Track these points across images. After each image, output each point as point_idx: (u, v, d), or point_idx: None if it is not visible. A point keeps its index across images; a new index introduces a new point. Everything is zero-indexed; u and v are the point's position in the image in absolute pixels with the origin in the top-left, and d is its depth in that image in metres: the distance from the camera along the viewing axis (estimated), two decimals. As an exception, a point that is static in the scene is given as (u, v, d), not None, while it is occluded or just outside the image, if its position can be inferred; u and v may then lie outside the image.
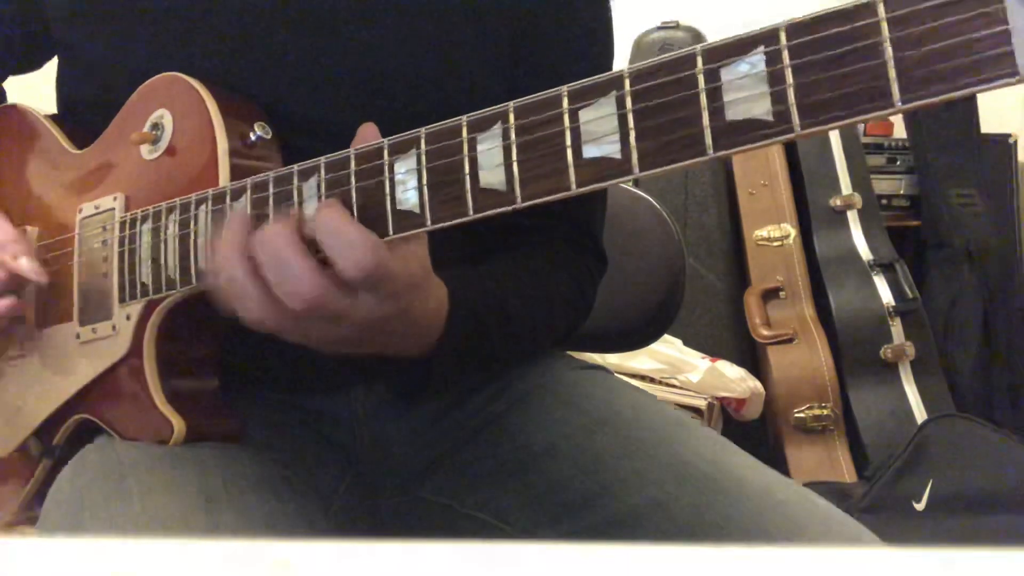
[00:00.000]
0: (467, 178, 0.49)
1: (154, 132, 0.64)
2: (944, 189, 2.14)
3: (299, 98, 0.66)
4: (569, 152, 0.46)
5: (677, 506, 0.64)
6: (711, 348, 1.92)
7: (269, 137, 0.63)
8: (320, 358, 0.71)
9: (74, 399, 0.67)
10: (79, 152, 0.71)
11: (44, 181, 0.73)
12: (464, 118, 0.50)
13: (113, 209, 0.65)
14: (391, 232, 0.51)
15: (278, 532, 0.57)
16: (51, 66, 0.80)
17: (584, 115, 0.46)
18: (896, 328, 1.96)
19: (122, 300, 0.63)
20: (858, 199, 2.08)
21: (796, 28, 0.41)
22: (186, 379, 0.65)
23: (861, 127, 2.29)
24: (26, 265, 0.66)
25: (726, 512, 0.62)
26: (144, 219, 0.63)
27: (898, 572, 0.25)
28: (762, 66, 0.42)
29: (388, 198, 0.52)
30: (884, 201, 2.18)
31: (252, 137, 0.62)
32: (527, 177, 0.47)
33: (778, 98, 0.41)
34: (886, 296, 1.98)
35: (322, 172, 0.54)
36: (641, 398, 0.76)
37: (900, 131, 2.26)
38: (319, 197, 0.54)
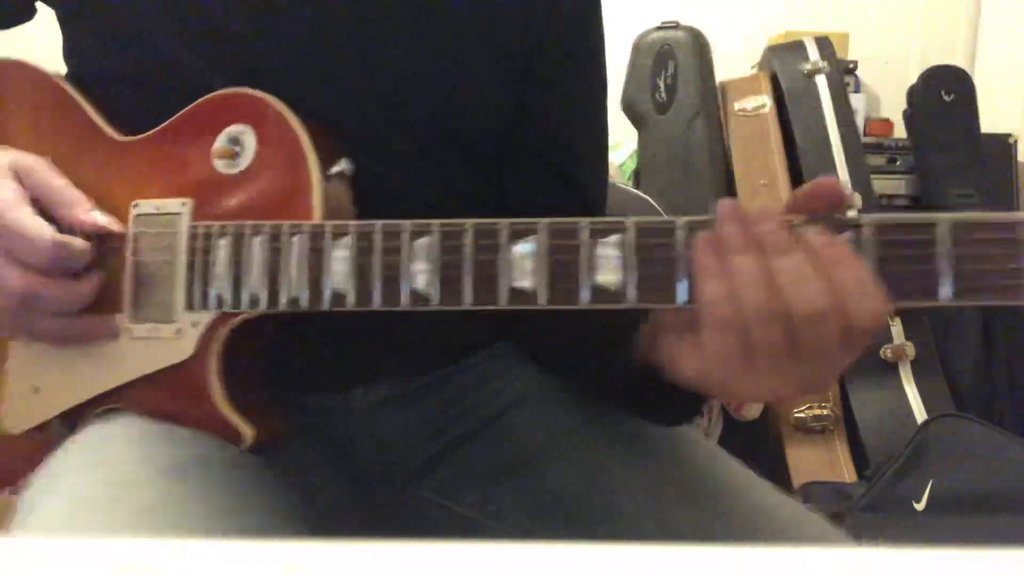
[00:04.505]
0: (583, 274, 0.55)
1: (234, 147, 0.64)
2: (944, 189, 2.14)
3: (314, 105, 0.66)
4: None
5: (673, 518, 0.64)
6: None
7: (350, 174, 0.64)
8: (320, 357, 0.72)
9: (113, 391, 0.67)
10: (125, 140, 0.69)
11: (79, 163, 0.70)
12: (587, 220, 0.55)
13: (180, 215, 0.65)
14: (503, 303, 0.56)
15: (243, 506, 0.58)
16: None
17: None
18: (896, 328, 1.96)
19: (190, 307, 0.64)
20: (858, 199, 2.08)
21: (879, 226, 0.50)
22: (244, 385, 0.66)
23: (861, 127, 2.29)
24: (104, 219, 0.65)
25: (722, 525, 0.63)
26: (222, 234, 0.63)
27: (898, 572, 0.25)
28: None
29: (503, 276, 0.56)
30: (884, 201, 2.18)
31: (335, 171, 0.64)
32: (642, 284, 0.54)
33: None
34: (886, 296, 1.98)
35: (436, 236, 0.57)
36: None
37: (900, 131, 2.26)
38: (431, 260, 0.57)
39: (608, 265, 0.54)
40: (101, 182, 0.68)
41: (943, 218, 0.49)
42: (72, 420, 0.68)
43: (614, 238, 0.54)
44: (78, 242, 0.63)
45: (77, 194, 0.65)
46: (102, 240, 0.67)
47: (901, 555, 0.25)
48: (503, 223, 0.56)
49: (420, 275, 0.58)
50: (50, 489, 0.57)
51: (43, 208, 0.64)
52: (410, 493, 0.74)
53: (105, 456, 0.59)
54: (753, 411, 1.83)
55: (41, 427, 0.69)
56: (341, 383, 0.74)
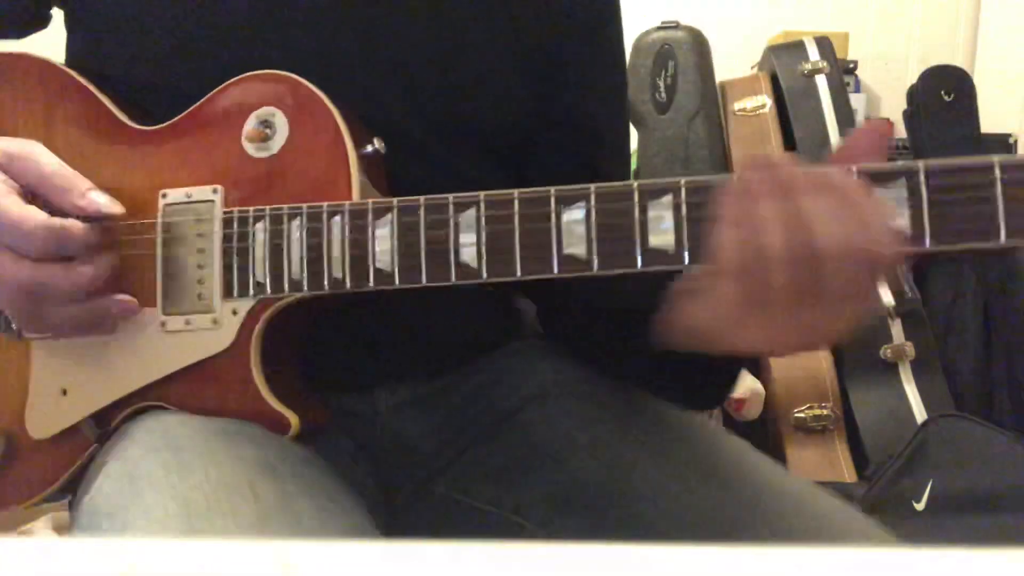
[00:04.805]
0: (636, 238, 0.55)
1: (264, 130, 0.63)
2: (944, 189, 2.14)
3: (344, 97, 0.66)
4: None
5: (701, 503, 0.64)
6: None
7: (384, 152, 0.63)
8: (347, 358, 0.72)
9: (149, 387, 0.65)
10: (144, 128, 0.67)
11: (100, 154, 0.67)
12: (636, 183, 0.55)
13: (212, 201, 0.63)
14: (555, 271, 0.56)
15: (342, 506, 0.57)
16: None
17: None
18: (896, 328, 1.96)
19: (228, 295, 0.63)
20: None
21: (933, 170, 0.50)
22: (284, 373, 0.65)
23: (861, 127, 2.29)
24: (102, 199, 0.62)
25: (750, 509, 0.63)
26: (258, 218, 0.62)
27: (898, 572, 0.25)
28: (904, 192, 0.51)
29: (554, 243, 0.56)
30: (884, 201, 2.18)
31: (368, 150, 0.63)
32: (695, 244, 0.54)
33: (916, 220, 0.50)
34: (886, 296, 1.98)
35: (482, 207, 0.57)
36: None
37: (900, 131, 2.26)
38: (478, 231, 0.57)
39: (661, 227, 0.54)
40: (126, 173, 0.67)
41: (998, 159, 0.49)
42: (103, 421, 0.66)
43: (666, 199, 0.54)
44: (71, 223, 0.60)
45: (71, 177, 0.62)
46: (131, 232, 0.65)
47: (901, 555, 0.25)
48: (550, 190, 0.56)
49: (467, 248, 0.57)
50: (143, 490, 0.54)
51: (37, 196, 0.62)
52: (430, 491, 0.75)
53: (192, 457, 0.56)
54: (753, 411, 1.83)
55: (70, 430, 0.67)
56: (365, 384, 0.74)
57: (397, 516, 0.74)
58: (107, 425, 0.66)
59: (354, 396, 0.74)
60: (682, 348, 0.59)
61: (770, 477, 0.67)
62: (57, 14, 0.77)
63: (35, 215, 0.59)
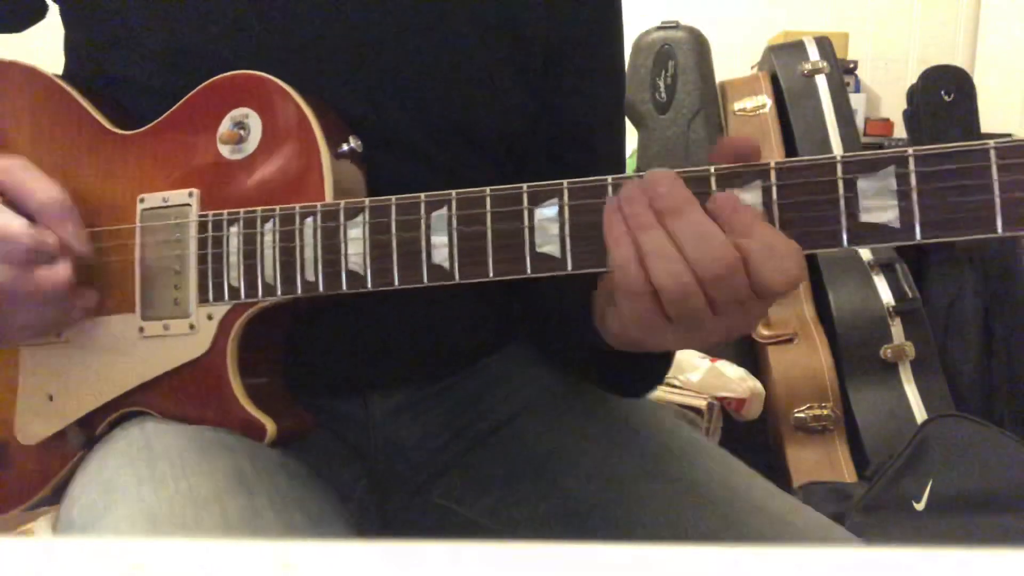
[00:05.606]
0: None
1: (239, 131, 0.63)
2: (944, 189, 2.14)
3: (341, 99, 0.66)
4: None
5: (694, 530, 0.64)
6: (711, 348, 1.92)
7: (360, 151, 0.63)
8: (342, 362, 0.72)
9: (130, 392, 0.65)
10: (125, 133, 0.67)
11: (81, 160, 0.68)
12: (610, 178, 0.54)
13: (188, 205, 0.63)
14: (528, 271, 0.54)
15: (312, 517, 0.57)
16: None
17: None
18: (896, 328, 1.96)
19: (204, 300, 0.62)
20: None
21: (924, 157, 0.47)
22: (263, 379, 0.64)
23: (861, 127, 2.29)
24: (72, 235, 0.62)
25: (736, 532, 0.63)
26: (232, 222, 0.62)
27: (898, 572, 0.25)
28: (893, 181, 0.48)
29: (527, 242, 0.54)
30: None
31: (344, 149, 0.62)
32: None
33: (905, 210, 0.48)
34: (886, 296, 1.98)
35: (453, 206, 0.56)
36: (655, 412, 0.76)
37: (900, 131, 2.26)
38: (449, 232, 0.56)
39: None
40: (105, 178, 0.67)
41: (994, 143, 0.46)
42: (89, 426, 0.66)
43: None
44: (50, 232, 0.61)
45: (58, 197, 0.63)
46: (110, 238, 0.65)
47: (901, 555, 0.25)
48: (522, 187, 0.55)
49: (439, 249, 0.56)
50: (115, 503, 0.54)
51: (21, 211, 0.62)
52: (423, 498, 0.74)
53: (165, 469, 0.56)
54: (753, 411, 1.83)
55: (58, 436, 0.67)
56: (360, 388, 0.74)
57: (390, 523, 0.74)
58: (92, 431, 0.66)
59: (348, 400, 0.73)
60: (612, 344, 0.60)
61: (761, 497, 0.67)
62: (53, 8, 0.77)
63: (19, 220, 0.60)
